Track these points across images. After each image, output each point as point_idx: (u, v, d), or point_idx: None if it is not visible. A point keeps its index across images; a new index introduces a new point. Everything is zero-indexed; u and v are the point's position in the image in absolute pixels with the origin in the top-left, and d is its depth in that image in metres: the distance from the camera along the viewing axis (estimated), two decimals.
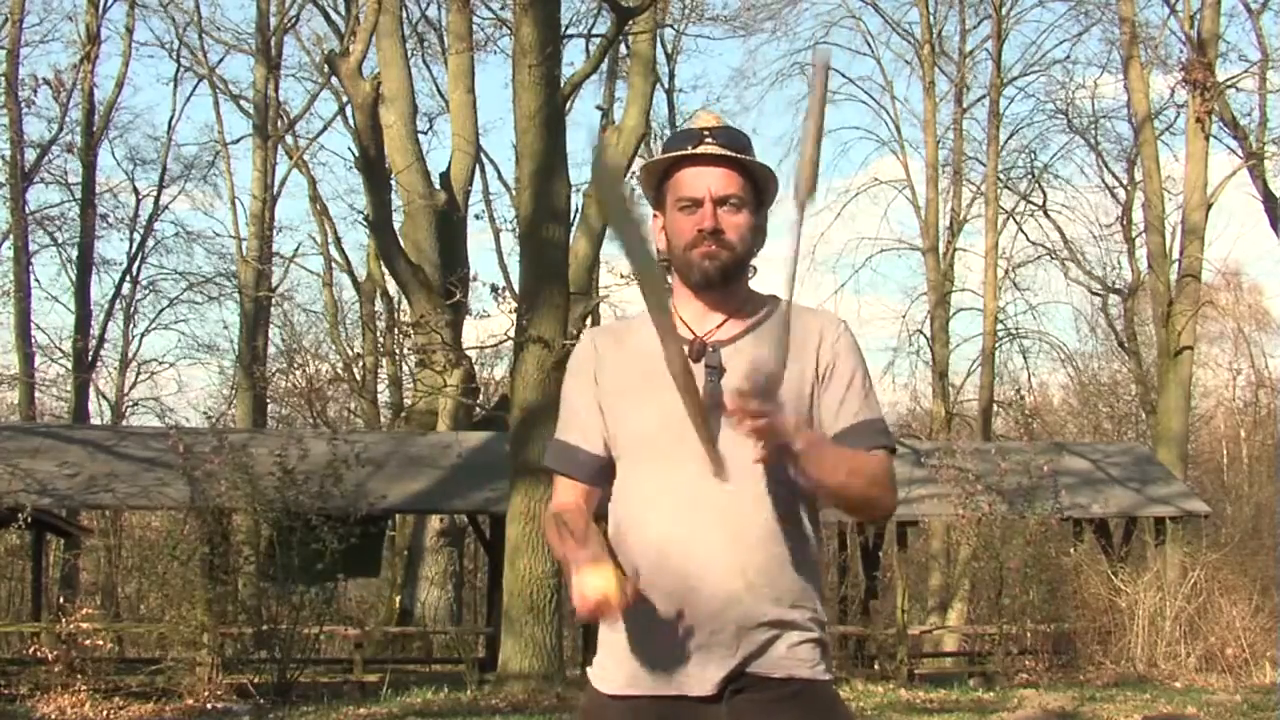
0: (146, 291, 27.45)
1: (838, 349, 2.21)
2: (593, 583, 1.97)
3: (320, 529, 11.32)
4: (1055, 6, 41.34)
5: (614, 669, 2.17)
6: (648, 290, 2.03)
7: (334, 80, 20.57)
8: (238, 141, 28.21)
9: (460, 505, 15.03)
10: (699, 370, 2.15)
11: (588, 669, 2.25)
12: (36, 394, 23.96)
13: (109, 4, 25.20)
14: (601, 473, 2.25)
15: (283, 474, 11.64)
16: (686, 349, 2.15)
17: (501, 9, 20.21)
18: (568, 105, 12.57)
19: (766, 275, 2.29)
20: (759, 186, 2.23)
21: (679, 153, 2.20)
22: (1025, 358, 38.04)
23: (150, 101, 70.74)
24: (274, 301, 26.31)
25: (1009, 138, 26.98)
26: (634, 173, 2.30)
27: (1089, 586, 13.83)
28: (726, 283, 2.20)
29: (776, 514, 2.12)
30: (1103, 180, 27.24)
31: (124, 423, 25.58)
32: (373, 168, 16.06)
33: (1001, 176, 26.38)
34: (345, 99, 19.41)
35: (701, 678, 2.10)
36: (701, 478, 2.10)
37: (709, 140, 2.19)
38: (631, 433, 2.19)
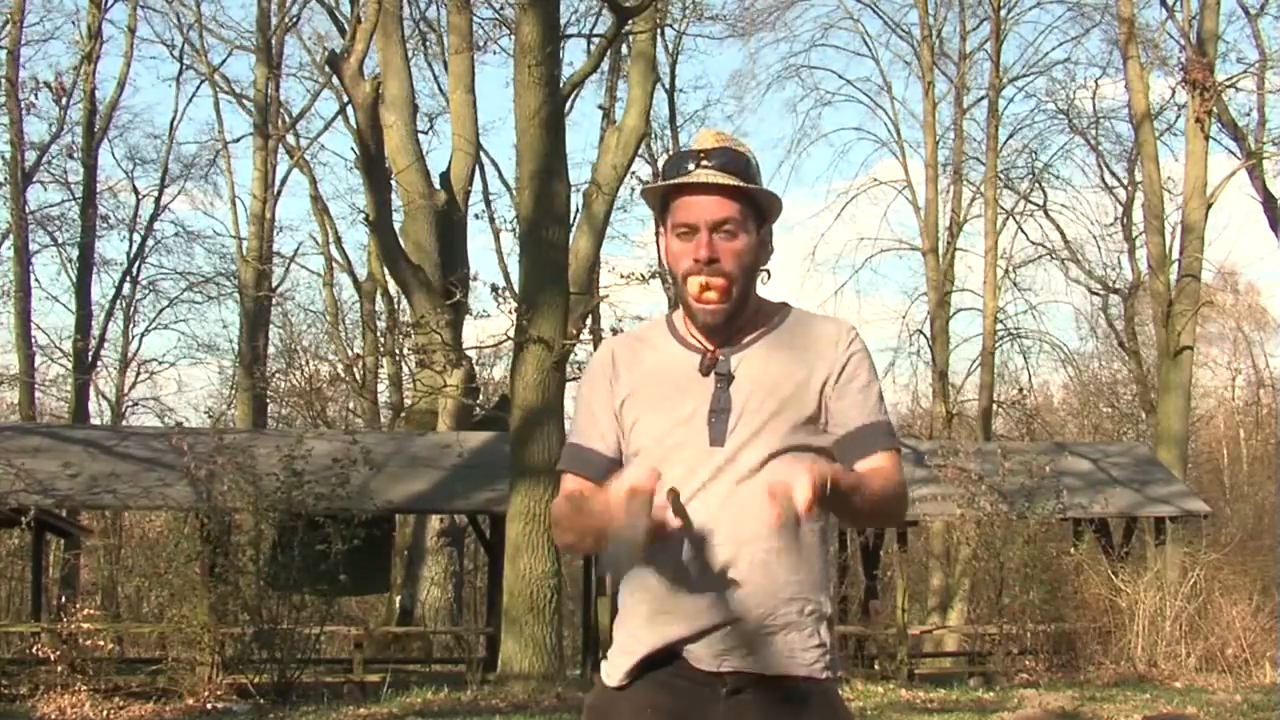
0: (146, 291, 27.51)
1: (851, 353, 2.25)
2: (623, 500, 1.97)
3: (326, 528, 11.33)
4: (1054, 8, 41.34)
5: (619, 656, 2.20)
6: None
7: (335, 80, 20.56)
8: (238, 141, 28.27)
9: (461, 505, 15.03)
10: (708, 382, 2.19)
11: (598, 674, 2.27)
12: (36, 394, 23.93)
13: (110, 3, 25.25)
14: (612, 472, 2.25)
15: (289, 475, 11.64)
16: (698, 362, 2.21)
17: (502, 9, 20.24)
18: (568, 105, 12.56)
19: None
20: (759, 204, 2.23)
21: (673, 181, 2.20)
22: (1025, 358, 38.12)
23: (151, 101, 70.86)
24: (274, 301, 26.29)
25: (1009, 138, 27.03)
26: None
27: (1089, 586, 13.84)
28: (730, 323, 2.22)
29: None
30: (1103, 180, 27.28)
31: (124, 423, 25.57)
32: (373, 167, 16.05)
33: (1001, 176, 26.39)
34: (346, 99, 19.40)
35: (699, 652, 2.13)
36: (711, 479, 2.15)
37: (705, 164, 2.17)
38: (647, 433, 2.22)
